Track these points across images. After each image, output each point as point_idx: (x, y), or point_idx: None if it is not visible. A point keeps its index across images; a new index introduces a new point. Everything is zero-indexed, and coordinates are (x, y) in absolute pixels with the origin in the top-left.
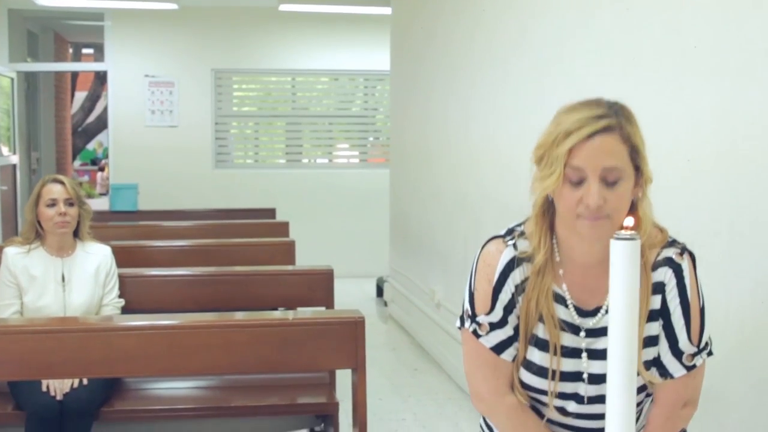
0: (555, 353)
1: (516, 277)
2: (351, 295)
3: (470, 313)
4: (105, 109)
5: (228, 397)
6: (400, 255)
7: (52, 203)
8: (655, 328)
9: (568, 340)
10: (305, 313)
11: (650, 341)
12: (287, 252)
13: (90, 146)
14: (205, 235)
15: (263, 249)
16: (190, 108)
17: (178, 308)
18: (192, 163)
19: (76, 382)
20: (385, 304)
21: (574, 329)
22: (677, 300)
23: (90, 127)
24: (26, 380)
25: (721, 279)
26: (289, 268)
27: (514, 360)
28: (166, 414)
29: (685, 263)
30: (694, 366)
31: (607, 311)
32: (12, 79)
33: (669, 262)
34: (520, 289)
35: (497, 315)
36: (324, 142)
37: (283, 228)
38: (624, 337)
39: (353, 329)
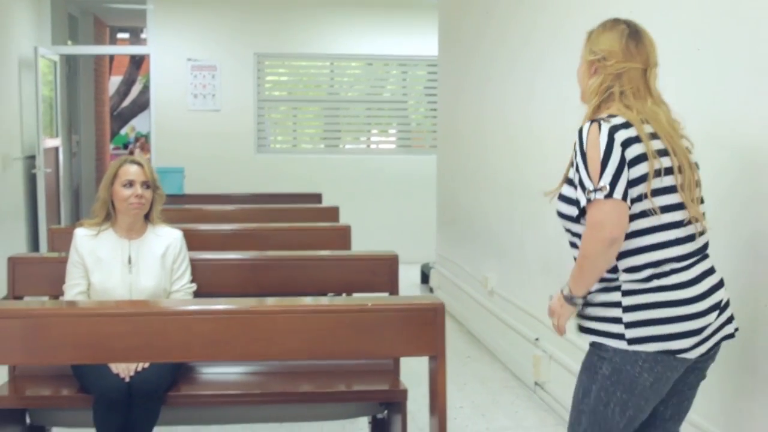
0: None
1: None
2: None
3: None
4: (140, 93)
5: (291, 383)
6: (449, 241)
7: (129, 184)
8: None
9: None
10: (380, 299)
11: (570, 182)
12: (342, 237)
13: (123, 131)
14: (255, 219)
15: (318, 234)
16: (232, 92)
17: (235, 292)
18: (234, 147)
19: (141, 364)
20: (431, 290)
21: None
22: (578, 152)
23: (125, 111)
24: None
25: None
26: (353, 253)
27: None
28: (231, 399)
29: (586, 127)
30: (590, 200)
31: None
32: (55, 62)
33: (580, 128)
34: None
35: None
36: (363, 127)
37: (332, 213)
38: None
39: (433, 316)
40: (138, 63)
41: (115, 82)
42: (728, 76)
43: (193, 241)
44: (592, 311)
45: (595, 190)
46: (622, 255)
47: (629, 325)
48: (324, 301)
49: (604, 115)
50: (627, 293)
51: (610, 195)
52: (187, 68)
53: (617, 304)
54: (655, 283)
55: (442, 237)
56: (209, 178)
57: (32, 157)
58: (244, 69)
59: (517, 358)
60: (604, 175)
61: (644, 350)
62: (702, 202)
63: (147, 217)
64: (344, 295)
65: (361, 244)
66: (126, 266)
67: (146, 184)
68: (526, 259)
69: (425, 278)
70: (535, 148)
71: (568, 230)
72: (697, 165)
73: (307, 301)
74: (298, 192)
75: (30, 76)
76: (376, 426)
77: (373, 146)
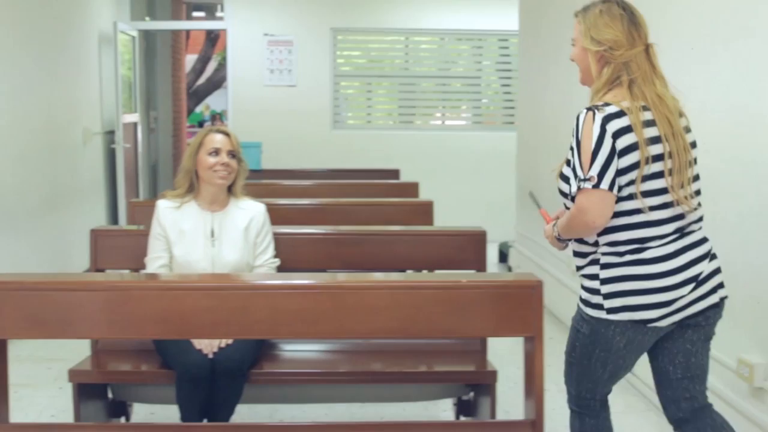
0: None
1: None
2: None
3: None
4: (215, 71)
5: (374, 362)
6: (530, 219)
7: (215, 152)
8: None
9: None
10: (474, 276)
11: (569, 163)
12: (425, 213)
13: (197, 109)
14: (333, 195)
15: (399, 209)
16: (308, 67)
17: (316, 268)
18: (310, 123)
19: (224, 341)
20: (509, 269)
21: None
22: (574, 138)
23: (200, 89)
24: (175, 339)
25: None
26: (439, 228)
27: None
28: (314, 378)
29: (582, 115)
30: (579, 187)
31: None
32: (134, 38)
33: (578, 114)
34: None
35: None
36: (437, 103)
37: (411, 189)
38: None
39: (530, 294)
40: (213, 40)
41: (190, 60)
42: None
43: (273, 216)
44: (581, 280)
45: (585, 180)
46: (606, 231)
47: (606, 296)
48: (416, 276)
49: (600, 102)
50: (604, 266)
51: (597, 185)
52: (263, 43)
53: (596, 276)
54: (628, 257)
55: (523, 214)
56: (284, 155)
57: (111, 133)
58: (321, 44)
59: None
60: (594, 166)
61: (617, 319)
62: (697, 179)
63: (230, 190)
64: (424, 272)
65: (437, 221)
66: (209, 239)
67: (232, 154)
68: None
69: (503, 257)
70: None
71: (567, 207)
72: (694, 144)
73: (398, 276)
74: (374, 168)
75: (109, 51)
76: (460, 408)
77: (450, 123)
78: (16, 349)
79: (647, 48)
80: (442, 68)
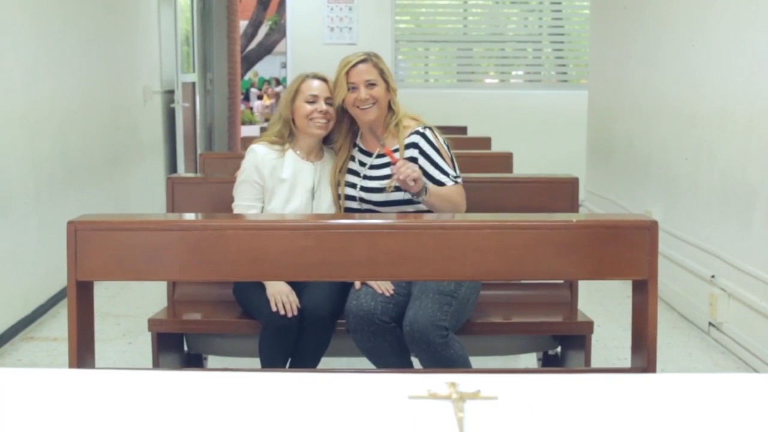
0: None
1: None
2: None
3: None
4: (266, 36)
5: None
6: (601, 176)
7: (313, 100)
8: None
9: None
10: (584, 215)
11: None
12: (505, 165)
13: (246, 76)
14: None
15: (477, 161)
16: (369, 25)
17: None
18: None
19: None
20: None
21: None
22: (430, 149)
23: (251, 53)
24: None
25: None
26: (530, 175)
27: None
28: None
29: (428, 132)
30: (455, 182)
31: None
32: None
33: (417, 132)
34: None
35: None
36: (496, 61)
37: (483, 143)
38: None
39: (644, 234)
40: (265, 4)
41: (240, 25)
42: None
43: None
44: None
45: (458, 176)
46: None
47: None
48: (517, 217)
49: (422, 124)
50: None
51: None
52: (323, 0)
53: None
54: None
55: (593, 173)
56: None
57: (170, 92)
58: (381, 1)
59: (686, 298)
60: (456, 166)
61: None
62: None
63: (325, 141)
64: None
65: None
66: (309, 192)
67: (329, 101)
68: (699, 190)
69: None
70: (708, 72)
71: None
72: None
73: (503, 216)
74: (440, 125)
75: (167, 9)
76: (546, 363)
77: (503, 82)
78: None
79: None
80: (498, 25)
